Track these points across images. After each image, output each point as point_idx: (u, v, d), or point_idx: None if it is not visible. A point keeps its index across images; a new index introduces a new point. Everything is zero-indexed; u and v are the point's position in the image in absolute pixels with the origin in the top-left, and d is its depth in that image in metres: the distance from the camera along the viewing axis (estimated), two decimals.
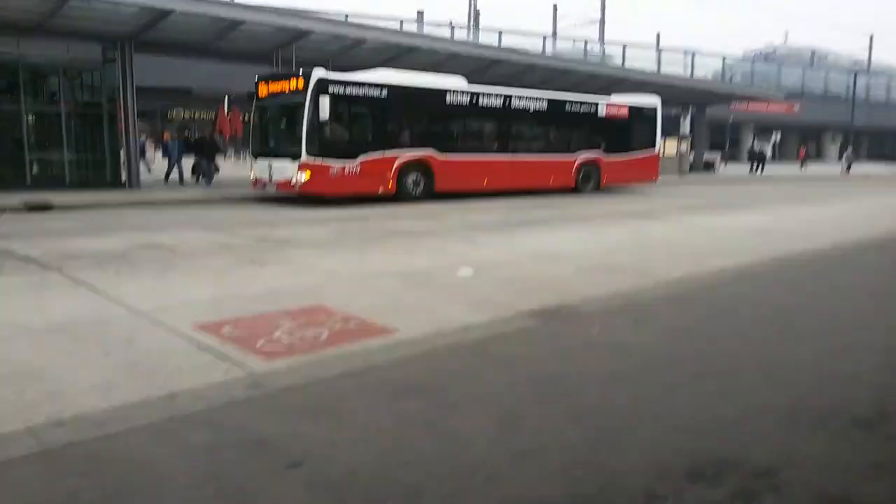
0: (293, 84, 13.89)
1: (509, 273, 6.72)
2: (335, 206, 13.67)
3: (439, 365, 3.65)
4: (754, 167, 34.94)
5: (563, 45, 50.71)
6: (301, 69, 13.98)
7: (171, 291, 5.68)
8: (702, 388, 3.37)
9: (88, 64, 17.40)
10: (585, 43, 51.04)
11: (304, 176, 13.47)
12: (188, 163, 18.80)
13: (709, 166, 34.19)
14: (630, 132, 20.27)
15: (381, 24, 29.86)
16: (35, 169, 16.97)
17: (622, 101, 20.49)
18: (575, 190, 18.43)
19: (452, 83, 16.36)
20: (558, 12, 56.68)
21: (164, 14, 15.52)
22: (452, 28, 46.44)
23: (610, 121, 19.55)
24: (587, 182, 18.95)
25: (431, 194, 15.24)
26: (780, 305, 5.17)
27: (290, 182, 13.69)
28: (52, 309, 5.06)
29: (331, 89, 13.57)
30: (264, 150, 14.98)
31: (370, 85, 14.53)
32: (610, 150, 19.45)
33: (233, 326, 4.59)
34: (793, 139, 61.89)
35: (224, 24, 16.94)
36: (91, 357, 3.98)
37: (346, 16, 33.29)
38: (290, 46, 18.23)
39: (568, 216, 12.42)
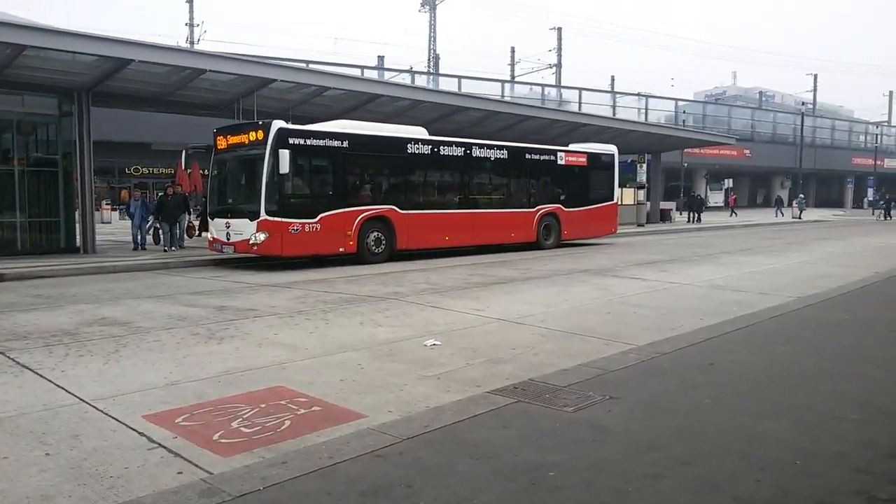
0: (252, 135, 13.31)
1: (477, 341, 6.55)
2: (297, 268, 13.37)
3: (411, 458, 3.43)
4: (691, 216, 34.68)
5: (522, 90, 51.84)
6: (261, 120, 13.58)
7: (122, 375, 5.36)
8: (687, 476, 3.21)
9: (44, 118, 17.07)
10: (543, 88, 52.25)
11: (262, 235, 12.84)
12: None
13: (665, 215, 34.63)
14: (589, 182, 19.94)
15: (343, 70, 30.19)
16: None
17: (580, 149, 20.25)
18: (536, 244, 18.09)
19: (414, 133, 15.94)
20: (515, 55, 57.83)
21: (123, 63, 15.36)
22: (413, 74, 47.19)
23: (569, 171, 19.27)
24: (548, 236, 18.55)
25: (393, 253, 14.75)
26: (754, 372, 5.08)
27: (248, 241, 13.03)
28: None
29: (291, 140, 13.00)
30: (222, 208, 14.32)
31: (331, 135, 13.98)
32: (569, 201, 19.13)
33: (188, 416, 4.31)
34: (745, 184, 63.66)
35: (184, 74, 16.84)
36: (31, 458, 3.67)
37: (308, 63, 33.56)
38: (252, 96, 18.17)
39: (530, 275, 12.36)
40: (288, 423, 4.21)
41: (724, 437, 3.73)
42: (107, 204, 34.09)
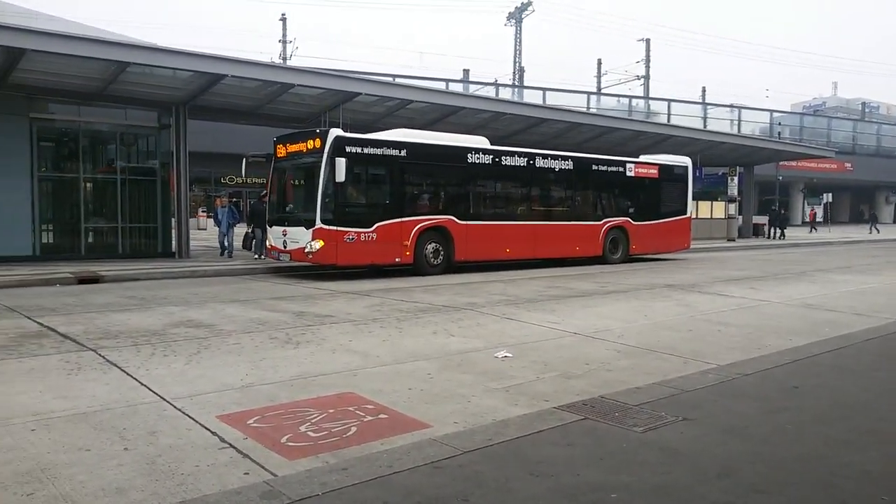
0: (310, 144, 13.29)
1: (550, 355, 6.44)
2: (373, 277, 13.54)
3: (470, 471, 3.39)
4: (773, 232, 32.84)
5: (608, 102, 51.06)
6: (318, 128, 13.52)
7: (202, 375, 5.56)
8: None
9: (144, 130, 18.09)
10: (630, 100, 51.28)
11: (317, 244, 12.79)
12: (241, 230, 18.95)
13: (758, 230, 33.22)
14: (660, 195, 19.15)
15: (428, 84, 30.59)
16: (90, 238, 17.46)
17: (652, 160, 19.42)
18: (602, 259, 17.43)
19: (474, 143, 15.57)
20: (602, 66, 56.98)
21: (217, 78, 16.12)
22: (497, 86, 47.27)
23: (639, 183, 18.53)
24: (615, 250, 17.83)
25: (451, 265, 14.49)
26: (842, 398, 4.77)
27: (303, 250, 13.07)
28: (80, 394, 4.98)
29: (348, 149, 12.95)
30: (279, 216, 14.36)
31: (388, 144, 13.83)
32: (639, 214, 18.37)
33: (259, 418, 4.42)
34: (845, 199, 60.32)
35: (274, 88, 17.51)
36: (109, 452, 3.84)
37: (394, 77, 34.19)
38: (338, 109, 18.68)
39: (610, 289, 12.08)
40: (354, 429, 4.24)
41: (805, 466, 3.51)
42: (203, 211, 35.73)
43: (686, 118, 45.52)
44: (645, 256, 19.02)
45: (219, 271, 14.46)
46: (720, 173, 31.55)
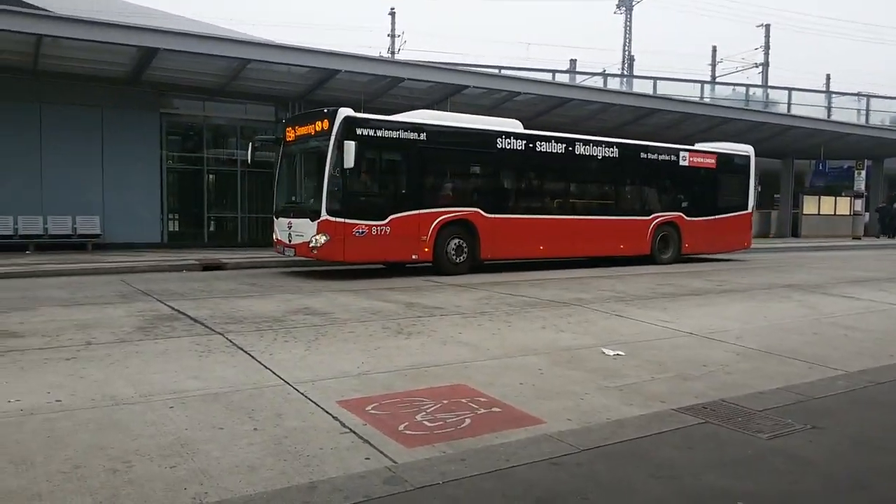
0: (318, 125, 12.03)
1: (664, 354, 6.28)
2: (486, 271, 13.50)
3: (589, 470, 3.37)
4: (886, 229, 30.02)
5: (723, 91, 48.87)
6: (326, 108, 12.37)
7: (321, 362, 5.80)
8: None
9: (262, 124, 18.98)
10: (747, 88, 48.91)
11: (322, 238, 11.56)
12: None
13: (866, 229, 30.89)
14: (718, 188, 17.35)
15: (534, 75, 30.38)
16: (212, 226, 18.53)
17: (709, 148, 17.67)
18: (650, 258, 15.91)
19: (505, 126, 14.15)
20: (717, 54, 54.57)
21: (331, 74, 16.74)
22: (605, 77, 46.28)
23: (693, 174, 16.77)
24: (665, 249, 16.25)
25: (476, 262, 13.28)
26: None
27: (308, 245, 11.90)
28: (211, 375, 5.31)
29: (359, 131, 11.64)
30: (285, 206, 13.20)
31: (405, 126, 12.47)
32: (693, 209, 16.67)
33: (377, 405, 4.56)
34: None
35: (385, 82, 17.99)
36: (240, 431, 4.07)
37: (499, 69, 34.13)
38: (446, 102, 18.94)
39: (726, 287, 11.62)
40: (468, 421, 4.31)
41: None
42: None
43: (808, 108, 42.88)
44: (710, 256, 17.73)
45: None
46: (845, 167, 29.64)
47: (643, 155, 15.97)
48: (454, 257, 12.87)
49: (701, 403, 4.57)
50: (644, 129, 22.74)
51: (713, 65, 54.80)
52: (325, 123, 11.72)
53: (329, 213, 11.51)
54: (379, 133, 12.01)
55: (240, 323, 7.51)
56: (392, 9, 50.94)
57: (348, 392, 4.87)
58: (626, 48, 55.82)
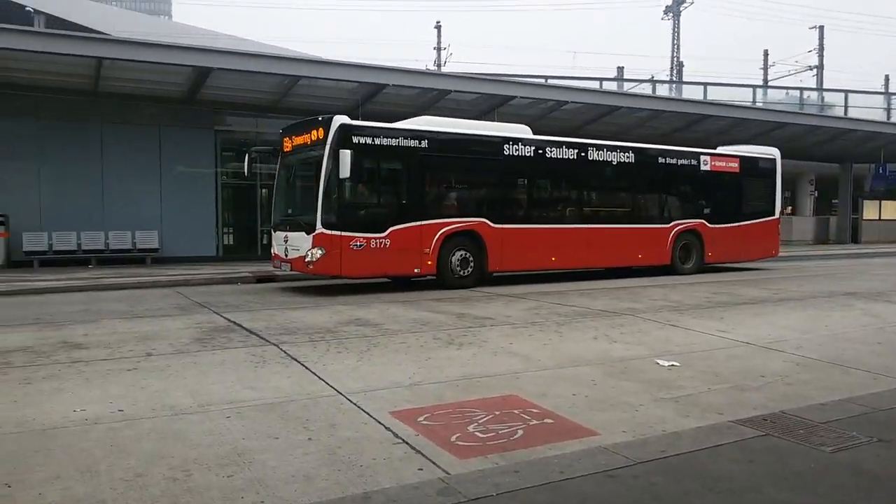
0: (313, 134, 11.49)
1: (720, 365, 6.13)
2: (533, 281, 13.42)
3: (646, 483, 3.31)
4: None
5: (776, 95, 47.72)
6: (321, 115, 11.76)
7: (373, 372, 5.85)
8: None
9: None
10: (801, 92, 47.63)
11: (318, 252, 11.04)
12: None
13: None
14: (742, 193, 16.52)
15: (581, 84, 30.20)
16: (264, 240, 18.89)
17: (732, 152, 16.83)
18: (671, 268, 15.10)
19: (513, 132, 13.54)
20: (769, 58, 53.35)
21: (379, 88, 16.98)
22: (654, 83, 45.73)
23: (716, 179, 15.96)
24: (687, 258, 15.44)
25: (484, 275, 12.69)
26: None
27: (303, 259, 11.37)
28: (266, 385, 5.40)
29: (356, 139, 11.17)
30: (281, 219, 12.73)
31: (405, 134, 11.93)
32: (716, 216, 15.87)
33: (429, 416, 4.57)
34: None
35: (431, 95, 18.17)
36: (295, 441, 4.13)
37: (546, 78, 34.05)
38: (493, 113, 19.00)
39: (783, 296, 11.29)
40: (520, 432, 4.28)
41: None
42: None
43: (866, 110, 41.51)
44: (745, 265, 16.92)
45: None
46: None
47: (661, 159, 15.25)
48: (459, 270, 12.31)
49: (760, 415, 4.45)
50: (696, 135, 22.37)
51: (765, 68, 53.64)
52: (321, 132, 11.25)
53: (325, 225, 11.02)
54: (377, 141, 11.55)
55: (293, 334, 7.64)
56: (438, 22, 51.43)
57: (400, 403, 4.89)
58: (675, 54, 55.07)
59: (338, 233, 11.05)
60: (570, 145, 13.83)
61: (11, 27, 14.42)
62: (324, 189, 10.99)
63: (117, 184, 17.26)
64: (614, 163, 14.38)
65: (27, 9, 31.32)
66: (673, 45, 55.51)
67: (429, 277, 12.50)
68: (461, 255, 12.29)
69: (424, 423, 4.44)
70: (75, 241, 16.76)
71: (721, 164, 16.09)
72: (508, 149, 12.99)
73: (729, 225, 16.06)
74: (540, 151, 13.37)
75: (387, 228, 11.51)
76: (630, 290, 11.97)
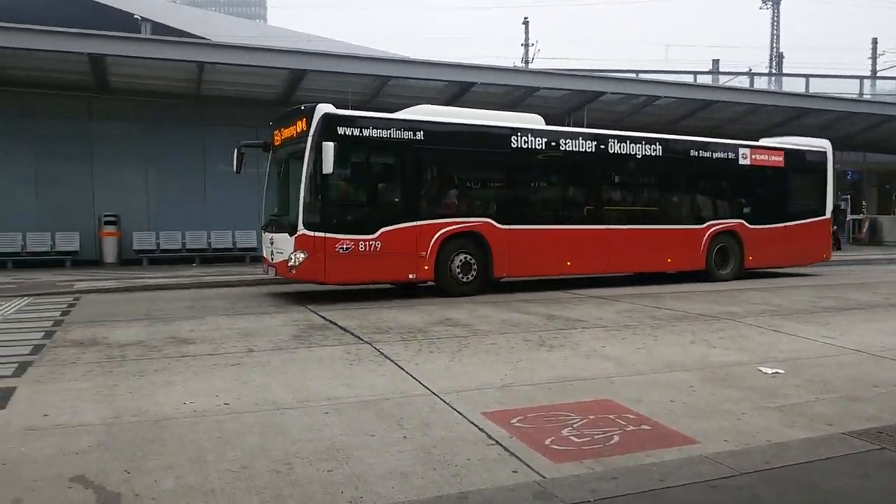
0: (298, 126, 10.57)
1: (828, 373, 5.82)
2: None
3: (750, 494, 3.19)
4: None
5: (885, 86, 44.83)
6: (304, 104, 10.77)
7: (464, 373, 5.88)
8: None
9: None
10: None
11: (300, 255, 10.12)
12: None
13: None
14: (787, 190, 14.88)
15: (674, 78, 29.34)
16: None
17: (776, 144, 15.23)
18: (706, 273, 13.68)
19: (523, 122, 12.22)
20: (878, 46, 50.12)
21: (468, 86, 17.05)
22: (752, 76, 43.88)
23: (757, 174, 14.40)
24: (724, 262, 13.93)
25: (488, 280, 11.57)
26: None
27: (286, 263, 10.47)
28: (361, 383, 5.52)
29: (341, 130, 10.18)
30: (267, 220, 11.83)
31: (399, 124, 10.84)
32: (757, 215, 14.32)
33: (522, 418, 4.55)
34: None
35: (519, 93, 18.09)
36: (391, 439, 4.20)
37: (637, 73, 33.31)
38: (582, 109, 18.74)
39: (893, 301, 10.62)
40: (616, 438, 4.20)
41: None
42: None
43: None
44: (787, 271, 15.35)
45: None
46: None
47: (694, 153, 13.73)
48: (460, 275, 11.18)
49: (875, 428, 4.20)
50: (799, 130, 21.33)
51: (873, 58, 50.40)
52: (304, 123, 10.30)
53: (307, 226, 10.07)
54: (366, 133, 10.48)
55: (386, 333, 7.78)
56: (525, 18, 51.07)
57: (492, 404, 4.90)
58: (774, 45, 52.60)
59: (321, 234, 10.05)
60: (588, 136, 12.63)
61: (124, 35, 15.36)
62: (306, 186, 10.03)
63: (218, 185, 18.04)
64: (639, 156, 13.00)
65: (135, 17, 33.25)
66: (772, 35, 53.06)
67: (430, 284, 11.31)
68: (463, 259, 11.18)
69: (517, 425, 4.42)
70: (180, 241, 17.66)
71: (762, 158, 14.50)
72: (517, 140, 11.72)
73: (772, 226, 14.51)
74: (552, 143, 12.09)
75: (377, 230, 10.46)
76: (728, 294, 11.53)
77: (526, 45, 52.09)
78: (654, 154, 13.12)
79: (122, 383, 5.52)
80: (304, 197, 10.05)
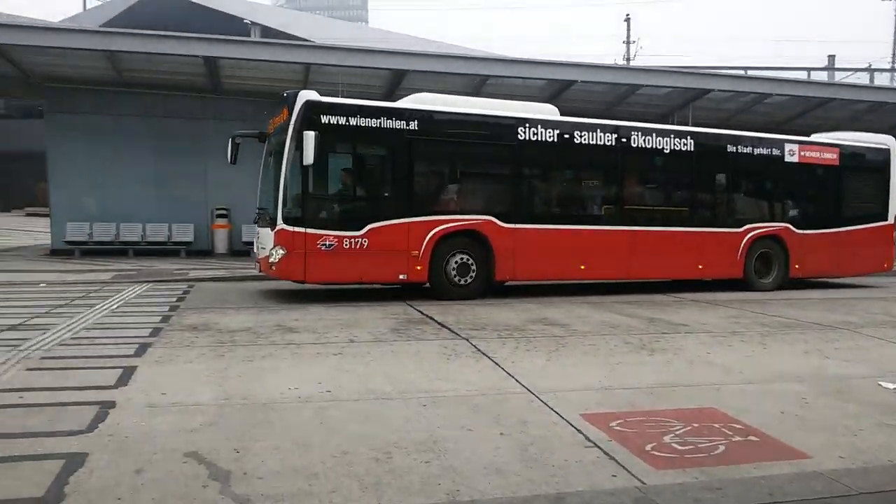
0: (283, 114, 9.98)
1: None
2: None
3: None
4: None
5: None
6: (286, 91, 10.21)
7: (562, 373, 5.82)
8: None
9: None
10: None
11: (280, 252, 9.59)
12: None
13: None
14: (842, 192, 13.43)
15: (785, 74, 27.94)
16: None
17: (829, 140, 13.74)
18: (744, 282, 12.44)
19: (532, 112, 11.25)
20: None
21: (567, 85, 16.84)
22: (871, 72, 41.18)
23: (807, 173, 13.06)
24: (766, 271, 12.68)
25: (490, 284, 10.73)
26: None
27: (268, 259, 9.96)
28: (458, 378, 5.56)
29: (325, 119, 9.61)
30: (256, 213, 11.29)
31: (389, 113, 10.14)
32: (806, 219, 13.02)
33: (622, 422, 4.46)
34: None
35: (621, 91, 17.72)
36: (487, 434, 4.21)
37: (745, 70, 32.00)
38: (687, 108, 18.16)
39: None
40: (722, 448, 4.04)
41: None
42: None
43: None
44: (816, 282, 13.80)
45: None
46: None
47: (731, 148, 12.49)
48: (457, 278, 10.40)
49: None
50: None
51: None
52: (286, 111, 9.77)
53: (286, 221, 9.55)
54: (352, 121, 9.82)
55: (482, 330, 7.80)
56: (627, 15, 49.92)
57: (591, 405, 4.82)
58: None
59: (301, 230, 9.52)
60: (605, 128, 11.52)
61: (235, 38, 16.10)
62: (285, 178, 9.53)
63: None
64: (666, 151, 11.83)
65: (245, 21, 34.84)
66: None
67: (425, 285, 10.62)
68: (461, 260, 10.40)
69: (617, 428, 4.34)
70: None
71: (813, 156, 13.08)
72: (525, 132, 10.80)
73: (823, 231, 13.14)
74: (565, 135, 11.08)
75: (364, 226, 9.81)
76: (843, 302, 10.87)
77: (627, 43, 50.89)
78: (684, 149, 11.97)
79: (233, 367, 5.80)
80: (284, 190, 9.56)
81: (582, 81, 16.95)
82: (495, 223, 10.54)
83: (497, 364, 6.06)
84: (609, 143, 11.44)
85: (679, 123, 18.26)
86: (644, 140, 11.68)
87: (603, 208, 11.82)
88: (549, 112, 11.47)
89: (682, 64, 33.89)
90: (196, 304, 9.73)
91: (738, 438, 4.21)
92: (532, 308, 9.65)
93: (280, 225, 9.56)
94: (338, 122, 9.74)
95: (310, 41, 24.29)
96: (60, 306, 9.17)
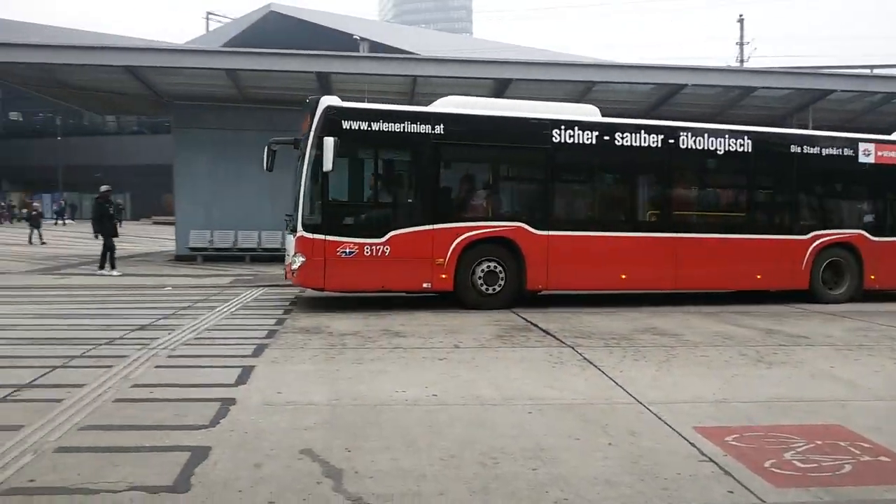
0: (306, 121, 9.82)
1: None
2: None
3: None
4: None
5: None
6: (308, 97, 10.07)
7: (673, 384, 5.65)
8: None
9: None
10: None
11: (300, 259, 9.45)
12: None
13: None
14: None
15: None
16: None
17: None
18: (809, 294, 11.33)
19: (565, 113, 10.61)
20: None
21: (676, 89, 16.38)
22: None
23: (883, 175, 11.86)
24: (836, 281, 11.53)
25: (521, 293, 10.21)
26: None
27: (290, 266, 9.90)
28: (564, 386, 5.51)
29: (346, 124, 9.42)
30: (285, 220, 11.00)
31: (414, 117, 9.86)
32: (881, 226, 11.89)
33: (738, 436, 4.27)
34: None
35: (734, 94, 17.06)
36: (596, 444, 4.14)
37: (871, 68, 30.08)
38: (807, 110, 17.29)
39: None
40: (848, 467, 3.80)
41: None
42: None
43: None
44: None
45: None
46: None
47: (795, 149, 11.47)
48: (484, 286, 9.96)
49: None
50: None
51: None
52: (309, 117, 9.64)
53: (306, 228, 9.40)
54: (375, 126, 9.61)
55: (588, 338, 7.68)
56: (741, 16, 47.89)
57: (704, 419, 4.65)
58: None
59: (321, 237, 9.36)
60: (649, 129, 10.77)
61: (345, 54, 16.67)
62: (305, 185, 9.44)
63: None
64: (720, 153, 10.98)
65: (354, 37, 36.01)
66: None
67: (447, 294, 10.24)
68: (488, 268, 9.97)
69: (733, 443, 4.16)
70: None
71: (891, 156, 11.92)
72: (560, 134, 10.22)
73: None
74: (605, 137, 10.43)
75: (386, 233, 9.59)
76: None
77: (741, 44, 48.78)
78: (740, 150, 11.07)
79: (343, 369, 5.99)
80: (304, 196, 9.47)
81: (693, 85, 16.43)
82: (527, 230, 10.14)
83: (604, 373, 5.96)
84: (655, 145, 10.74)
85: (798, 126, 17.41)
86: (694, 141, 10.93)
87: (647, 214, 11.31)
88: (587, 113, 10.96)
89: (800, 65, 32.22)
90: (307, 307, 10.12)
91: (866, 458, 3.95)
92: (639, 317, 9.41)
93: (300, 232, 9.48)
94: (360, 127, 9.59)
95: (416, 54, 24.82)
96: (184, 308, 9.77)
